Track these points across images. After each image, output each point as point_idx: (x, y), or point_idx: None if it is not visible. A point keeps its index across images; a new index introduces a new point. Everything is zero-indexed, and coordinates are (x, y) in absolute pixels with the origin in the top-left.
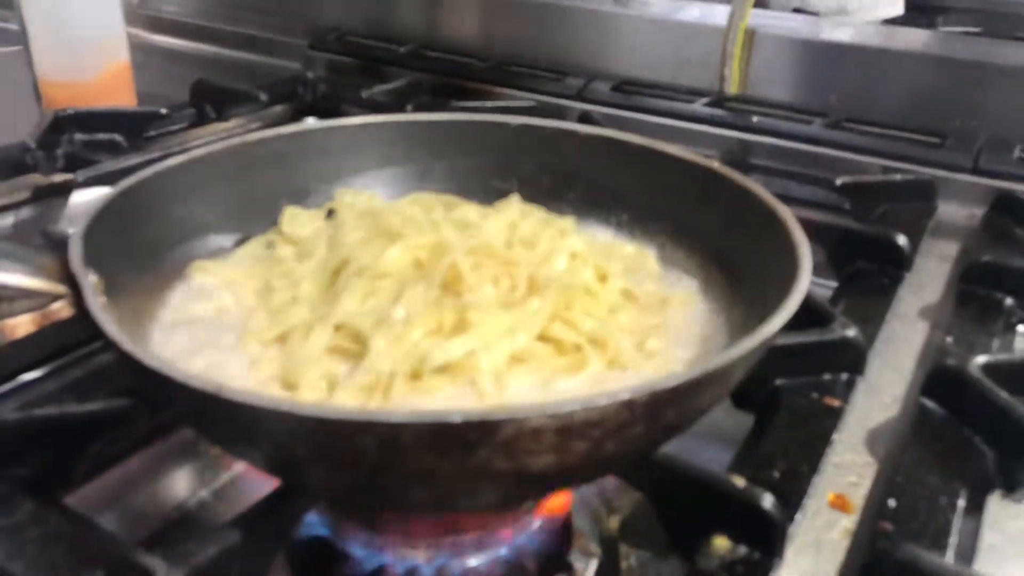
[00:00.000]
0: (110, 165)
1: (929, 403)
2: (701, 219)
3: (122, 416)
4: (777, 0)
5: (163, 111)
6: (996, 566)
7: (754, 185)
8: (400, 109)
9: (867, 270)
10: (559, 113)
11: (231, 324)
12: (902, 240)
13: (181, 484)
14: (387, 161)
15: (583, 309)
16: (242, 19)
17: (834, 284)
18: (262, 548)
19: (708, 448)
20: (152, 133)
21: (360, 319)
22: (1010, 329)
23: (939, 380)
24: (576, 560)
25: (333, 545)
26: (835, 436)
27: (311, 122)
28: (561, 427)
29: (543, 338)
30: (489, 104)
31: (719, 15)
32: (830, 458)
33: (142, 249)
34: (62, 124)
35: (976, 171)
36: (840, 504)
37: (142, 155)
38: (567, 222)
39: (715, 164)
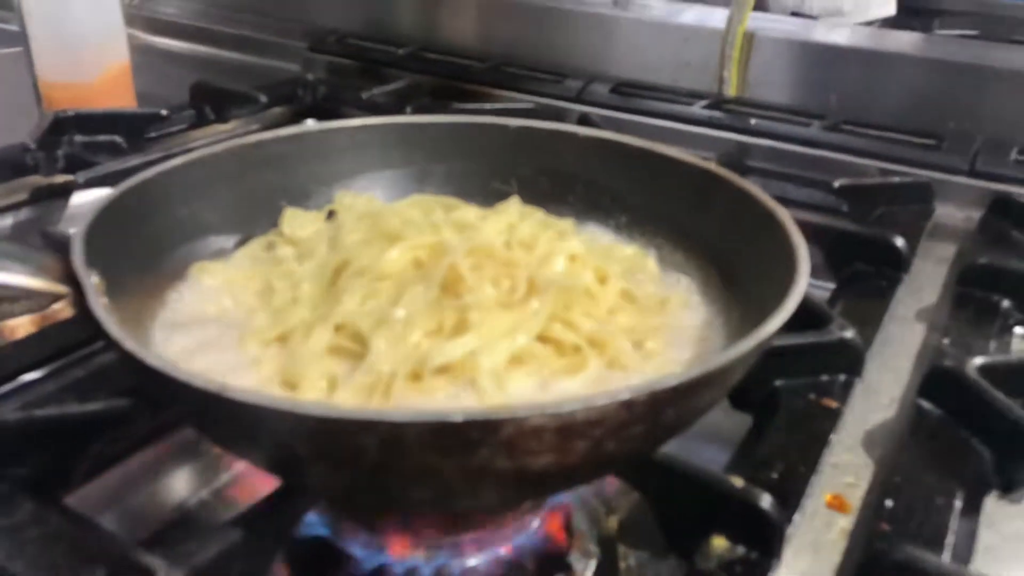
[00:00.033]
0: (110, 166)
1: (926, 404)
2: (700, 221)
3: (122, 416)
4: (776, 3)
5: (163, 112)
6: (993, 566)
7: (752, 187)
8: (399, 111)
9: (865, 272)
10: (558, 115)
11: (232, 324)
12: (900, 242)
13: (181, 484)
14: (387, 163)
15: (582, 310)
16: (241, 21)
17: (832, 286)
18: (262, 548)
19: (706, 449)
20: (152, 134)
21: (360, 319)
22: (1007, 331)
23: (936, 381)
24: (575, 560)
25: (333, 545)
26: (833, 437)
27: (311, 124)
28: (561, 426)
29: (543, 339)
30: (488, 106)
31: (718, 18)
32: (828, 459)
33: (143, 250)
34: (62, 125)
35: (973, 173)
36: (838, 504)
37: (142, 156)
38: (566, 224)
39: (713, 166)
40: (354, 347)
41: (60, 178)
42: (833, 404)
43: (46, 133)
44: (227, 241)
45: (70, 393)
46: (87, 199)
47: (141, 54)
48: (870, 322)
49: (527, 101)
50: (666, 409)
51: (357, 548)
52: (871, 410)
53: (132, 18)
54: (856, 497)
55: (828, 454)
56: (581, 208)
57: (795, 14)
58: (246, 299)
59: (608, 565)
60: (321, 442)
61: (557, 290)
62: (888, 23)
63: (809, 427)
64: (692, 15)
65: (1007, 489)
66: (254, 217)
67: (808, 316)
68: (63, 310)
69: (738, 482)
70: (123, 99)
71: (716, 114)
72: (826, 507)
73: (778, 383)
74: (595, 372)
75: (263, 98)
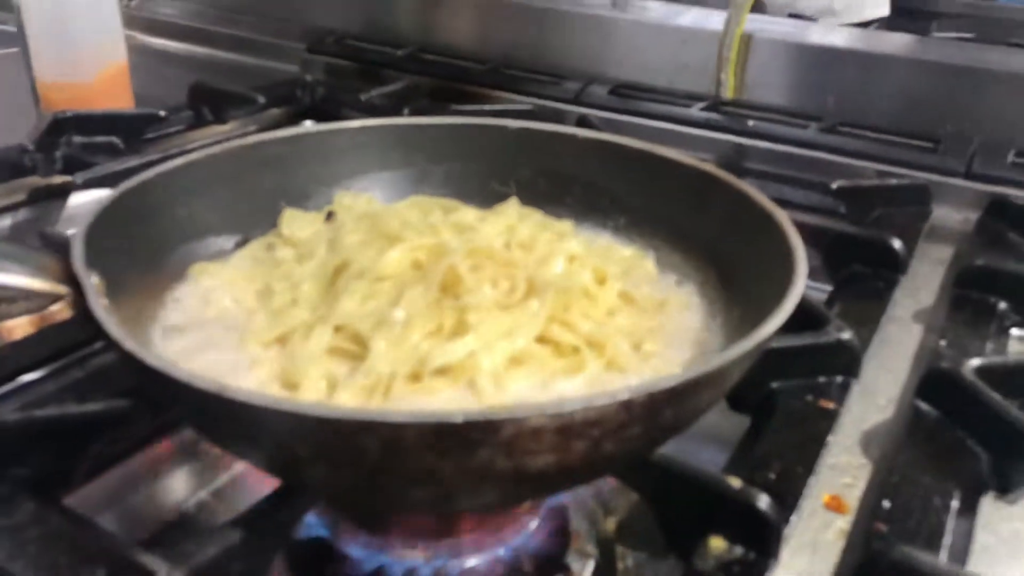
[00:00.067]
0: (108, 167)
1: (923, 405)
2: (698, 223)
3: (122, 417)
4: (773, 5)
5: (161, 113)
6: (989, 567)
7: (750, 189)
8: (398, 112)
9: (862, 273)
10: (557, 117)
11: (231, 325)
12: (897, 244)
13: (180, 485)
14: (386, 164)
15: (581, 311)
16: (239, 22)
17: (829, 287)
18: (262, 548)
19: (704, 449)
20: (150, 135)
21: (360, 320)
22: (1003, 332)
23: (933, 382)
24: (573, 561)
25: (332, 546)
26: (830, 438)
27: (310, 125)
28: (561, 427)
29: (541, 340)
30: (487, 108)
31: (716, 20)
32: (825, 459)
33: (143, 250)
34: (60, 126)
35: (970, 176)
36: (835, 505)
37: (140, 157)
38: (565, 225)
39: (711, 168)
40: (354, 348)
41: (58, 179)
42: (830, 405)
43: (44, 134)
44: (226, 242)
45: (70, 394)
46: (85, 200)
47: (139, 55)
48: (867, 323)
49: (526, 103)
50: (665, 410)
51: (356, 549)
52: (868, 411)
53: (130, 19)
54: (853, 498)
55: (826, 455)
56: (579, 209)
57: (793, 16)
58: (246, 300)
59: (606, 565)
60: (321, 443)
61: (556, 291)
62: (885, 25)
63: (807, 428)
64: (690, 17)
65: (1003, 490)
66: (253, 218)
67: (805, 317)
68: (61, 311)
69: (736, 483)
70: (121, 100)
71: (714, 116)
72: (824, 508)
73: (776, 384)
74: (594, 373)
75: (261, 99)
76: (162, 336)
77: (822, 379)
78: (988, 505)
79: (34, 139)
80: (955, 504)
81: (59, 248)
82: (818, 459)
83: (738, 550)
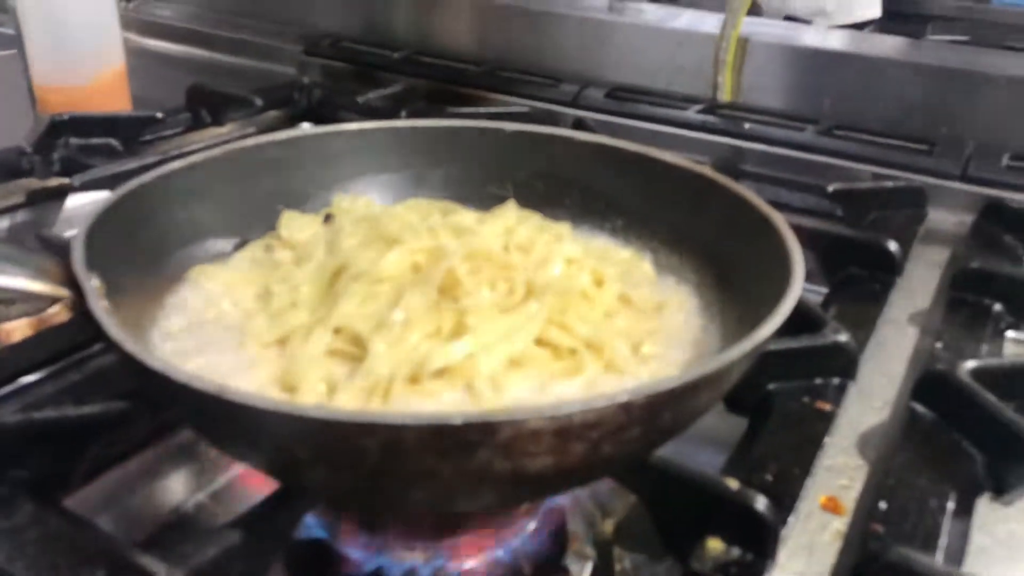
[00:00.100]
0: (106, 169)
1: (919, 407)
2: (695, 225)
3: (120, 419)
4: (769, 8)
5: (159, 116)
6: (985, 568)
7: (747, 192)
8: (395, 114)
9: (858, 276)
10: (553, 119)
11: (230, 327)
12: (893, 246)
13: (178, 486)
14: (384, 167)
15: (579, 314)
16: (237, 24)
17: (826, 290)
18: (261, 550)
19: (702, 451)
20: (148, 138)
21: (359, 322)
22: (998, 334)
23: (929, 385)
24: (571, 563)
25: (331, 547)
26: (827, 439)
27: (308, 128)
28: (560, 429)
29: (540, 342)
30: (483, 110)
31: (712, 23)
32: (822, 461)
33: (142, 253)
34: (58, 128)
35: (965, 178)
36: (832, 506)
37: (138, 160)
38: (563, 228)
39: (708, 171)
40: (353, 350)
41: (55, 181)
42: (827, 407)
43: (42, 136)
44: (225, 244)
45: (68, 396)
46: (83, 202)
47: (136, 57)
48: (863, 326)
49: (522, 105)
50: (663, 412)
51: (355, 550)
52: (865, 413)
53: (127, 21)
54: (850, 499)
55: (822, 456)
56: (577, 212)
57: (789, 19)
58: (245, 302)
59: (604, 567)
60: (321, 444)
61: (554, 293)
62: (879, 28)
63: (803, 430)
64: (686, 20)
65: (999, 491)
66: (252, 220)
67: (802, 320)
68: (59, 313)
69: (733, 484)
70: (118, 102)
71: (710, 119)
72: (820, 509)
73: (772, 386)
74: (592, 375)
75: (259, 101)
76: (161, 338)
77: (819, 381)
78: (984, 506)
79: (32, 141)
80: (951, 505)
81: (58, 250)
82: (815, 461)
83: (735, 551)
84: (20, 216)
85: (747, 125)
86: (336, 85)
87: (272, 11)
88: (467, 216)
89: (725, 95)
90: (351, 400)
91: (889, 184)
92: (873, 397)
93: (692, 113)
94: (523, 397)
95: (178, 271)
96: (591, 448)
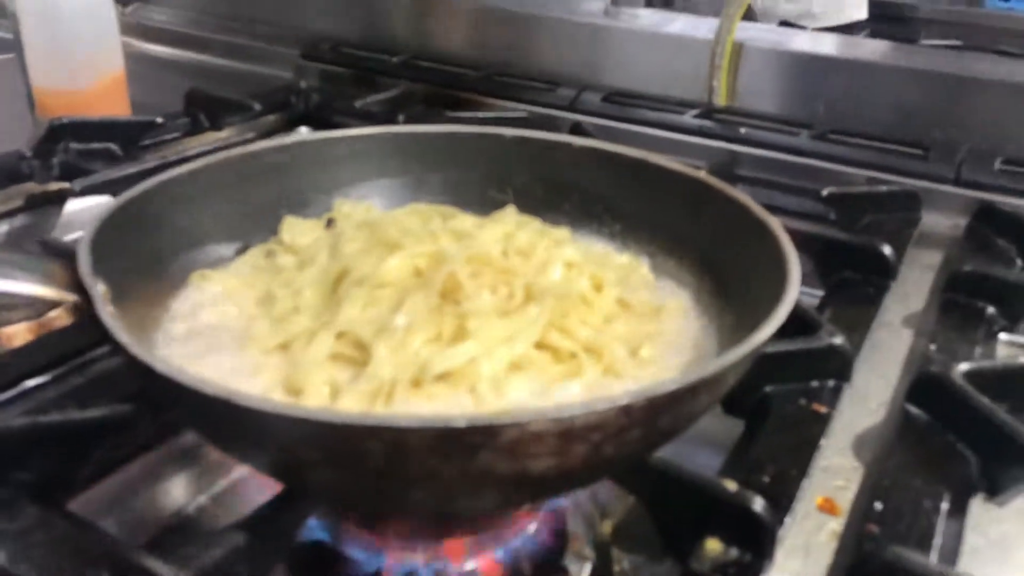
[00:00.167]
0: (106, 174)
1: (913, 409)
2: (692, 229)
3: (124, 422)
4: (764, 13)
5: (158, 120)
6: (978, 567)
7: (743, 197)
8: (393, 119)
9: (853, 279)
10: (551, 124)
11: (233, 332)
12: (887, 250)
13: (181, 489)
14: (384, 172)
15: (579, 318)
16: (234, 28)
17: (820, 293)
18: (264, 552)
19: (700, 453)
20: (147, 142)
21: (362, 327)
22: (992, 337)
23: (923, 387)
24: (570, 564)
25: (333, 549)
26: (823, 441)
27: (308, 133)
28: (562, 431)
29: (540, 346)
30: (481, 115)
31: (707, 28)
32: (818, 462)
33: (145, 258)
34: (57, 133)
35: (959, 182)
36: (828, 507)
37: (137, 164)
38: (562, 232)
39: (704, 176)
40: (356, 354)
41: (56, 185)
42: (823, 409)
43: (41, 141)
44: (227, 249)
45: (72, 399)
46: (82, 206)
47: (134, 61)
48: (858, 328)
49: (520, 110)
50: (663, 414)
51: (357, 552)
52: (860, 415)
53: (126, 25)
54: (846, 500)
55: (818, 458)
56: (576, 216)
57: (784, 24)
58: (247, 307)
59: (603, 568)
60: (328, 447)
61: (554, 298)
62: (874, 33)
63: (800, 432)
64: (682, 25)
65: (992, 492)
66: (254, 225)
67: (798, 323)
68: (60, 318)
69: (731, 486)
70: (117, 107)
71: (706, 123)
72: (817, 510)
73: (769, 389)
74: (592, 378)
75: (257, 106)
76: (165, 342)
77: (815, 383)
78: (977, 507)
79: (31, 146)
80: (945, 506)
81: (60, 255)
82: (811, 462)
83: (734, 552)
84: (19, 220)
85: (743, 129)
86: (334, 89)
87: (270, 15)
88: (467, 221)
89: (721, 100)
90: (355, 403)
91: (883, 188)
92: (868, 399)
93: (688, 117)
94: (524, 400)
95: (181, 276)
96: (592, 450)
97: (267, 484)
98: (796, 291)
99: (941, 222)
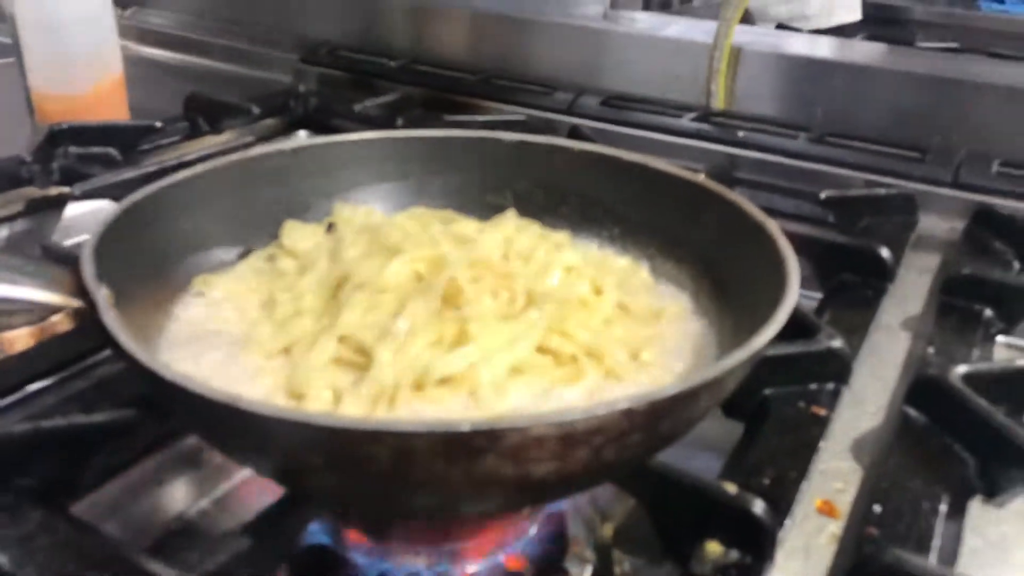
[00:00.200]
0: (106, 178)
1: (912, 411)
2: (691, 233)
3: (126, 427)
4: (762, 17)
5: (157, 124)
6: (977, 569)
7: (742, 200)
8: (391, 122)
9: (851, 282)
10: (549, 127)
11: (235, 336)
12: (885, 253)
13: (183, 493)
14: (384, 176)
15: (579, 321)
16: (233, 32)
17: (819, 296)
18: (267, 556)
19: (700, 456)
20: (146, 146)
21: (364, 331)
22: (989, 339)
23: (921, 389)
24: (571, 566)
25: (335, 553)
26: (822, 444)
27: (309, 138)
28: (563, 435)
29: (541, 350)
30: (480, 118)
31: (705, 31)
32: (817, 465)
33: (147, 263)
34: (57, 138)
35: (956, 185)
36: (827, 510)
37: (137, 168)
38: (562, 236)
39: (703, 180)
40: (357, 358)
41: (56, 190)
42: (822, 412)
43: (41, 145)
44: (228, 253)
45: (74, 404)
46: (82, 211)
47: (133, 65)
48: (857, 331)
49: (518, 113)
50: (664, 418)
51: (359, 556)
52: (859, 418)
53: (124, 29)
54: (845, 502)
55: (818, 461)
56: (575, 220)
57: (781, 27)
58: (249, 311)
59: (604, 570)
60: (332, 451)
61: (554, 302)
62: (870, 36)
63: (799, 434)
64: (679, 29)
65: (990, 494)
66: (255, 229)
67: (797, 326)
68: (61, 322)
69: (731, 488)
70: (116, 111)
71: (704, 126)
72: (816, 512)
73: (768, 392)
74: (593, 382)
75: (256, 110)
76: (167, 347)
77: (813, 386)
78: (976, 508)
79: (31, 150)
80: (944, 508)
81: (62, 260)
82: (810, 465)
83: (734, 554)
84: (19, 225)
85: (740, 133)
86: (332, 93)
87: (268, 19)
88: (467, 225)
89: (719, 103)
90: (357, 407)
91: (881, 191)
92: (867, 402)
93: (686, 121)
94: (525, 403)
95: (183, 281)
96: (593, 453)
97: (269, 488)
98: (796, 294)
99: (939, 225)
